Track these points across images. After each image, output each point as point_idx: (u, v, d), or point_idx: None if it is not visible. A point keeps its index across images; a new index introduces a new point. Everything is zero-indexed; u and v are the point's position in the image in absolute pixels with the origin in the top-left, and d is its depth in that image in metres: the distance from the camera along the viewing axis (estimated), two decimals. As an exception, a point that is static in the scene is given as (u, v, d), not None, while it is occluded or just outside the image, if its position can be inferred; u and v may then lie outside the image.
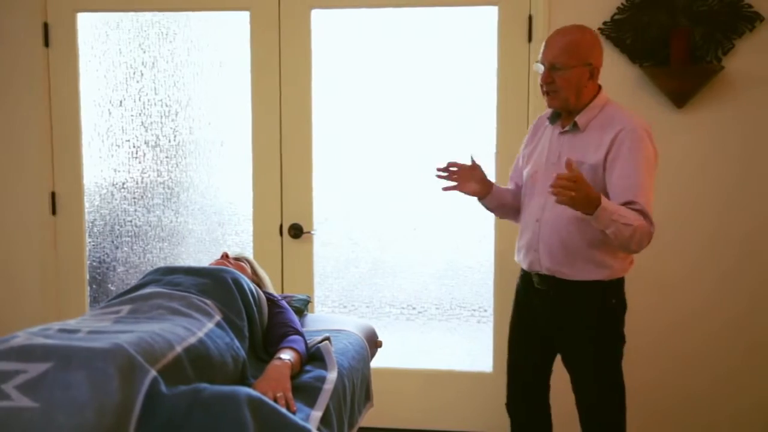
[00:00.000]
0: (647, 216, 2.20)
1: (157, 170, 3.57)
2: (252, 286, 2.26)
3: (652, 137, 2.30)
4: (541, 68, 2.33)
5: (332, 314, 3.44)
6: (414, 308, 3.53)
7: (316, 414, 1.88)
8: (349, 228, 3.52)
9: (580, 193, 2.06)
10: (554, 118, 2.45)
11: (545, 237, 2.37)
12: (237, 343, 1.99)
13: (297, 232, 3.45)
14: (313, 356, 2.17)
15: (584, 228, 2.27)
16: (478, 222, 3.38)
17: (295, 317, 2.36)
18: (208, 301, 2.05)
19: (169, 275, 2.20)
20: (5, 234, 3.59)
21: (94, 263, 3.65)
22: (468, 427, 3.49)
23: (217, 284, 2.15)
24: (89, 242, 3.63)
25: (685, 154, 3.17)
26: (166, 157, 3.56)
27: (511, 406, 2.66)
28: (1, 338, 1.68)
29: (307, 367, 2.10)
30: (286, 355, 2.06)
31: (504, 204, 2.61)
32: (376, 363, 2.64)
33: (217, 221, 3.58)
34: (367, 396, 2.44)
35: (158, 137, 3.55)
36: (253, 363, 2.09)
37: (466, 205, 2.93)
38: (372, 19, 3.39)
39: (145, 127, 3.55)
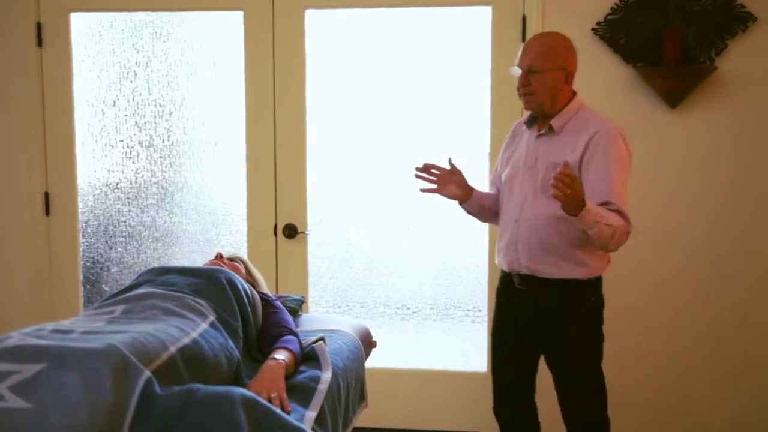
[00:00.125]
0: (624, 215, 2.28)
1: (151, 170, 3.56)
2: (246, 286, 2.26)
3: (625, 139, 2.38)
4: (518, 72, 2.42)
5: (327, 314, 3.44)
6: (408, 308, 3.53)
7: (311, 414, 1.88)
8: (343, 228, 3.52)
9: (574, 192, 2.11)
10: (531, 122, 2.53)
11: (524, 237, 2.42)
12: (231, 343, 1.99)
13: (291, 232, 3.44)
14: (308, 356, 2.17)
15: (562, 227, 2.33)
16: (472, 222, 3.34)
17: (289, 317, 2.36)
18: (202, 302, 2.05)
19: (163, 275, 2.20)
20: (-2, 234, 3.58)
21: (88, 263, 3.64)
22: (462, 427, 3.49)
23: (211, 284, 2.14)
24: (83, 242, 3.62)
25: (678, 155, 3.18)
26: (160, 157, 3.55)
27: (498, 409, 2.68)
28: (-6, 339, 1.68)
29: (302, 368, 2.10)
30: (281, 356, 2.06)
31: (485, 207, 2.66)
32: (370, 363, 2.65)
33: (211, 221, 3.57)
34: (362, 396, 2.44)
35: (152, 137, 3.54)
36: (248, 363, 2.09)
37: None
38: (366, 20, 3.39)
39: (138, 127, 3.55)
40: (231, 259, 2.55)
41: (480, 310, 3.47)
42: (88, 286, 3.64)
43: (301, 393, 1.95)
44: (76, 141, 3.54)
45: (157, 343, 1.73)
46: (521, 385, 2.63)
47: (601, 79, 3.17)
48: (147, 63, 3.51)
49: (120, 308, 1.97)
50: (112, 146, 3.57)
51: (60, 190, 3.56)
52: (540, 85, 2.36)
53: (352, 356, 2.35)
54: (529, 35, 3.19)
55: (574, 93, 2.45)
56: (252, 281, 2.51)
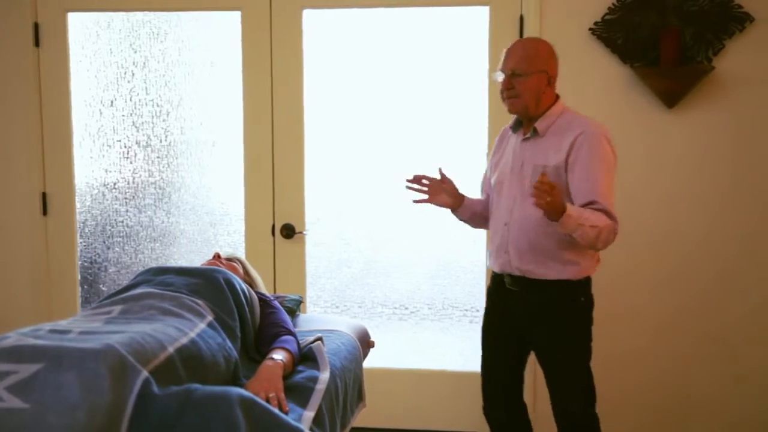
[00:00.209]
0: (610, 214, 2.31)
1: (149, 170, 3.56)
2: (244, 286, 2.26)
3: (610, 140, 2.41)
4: (501, 76, 2.45)
5: (324, 314, 3.44)
6: (406, 308, 3.53)
7: (309, 414, 1.88)
8: (341, 228, 3.52)
9: (555, 199, 2.17)
10: (516, 126, 2.57)
11: (514, 239, 2.46)
12: (229, 343, 1.99)
13: (289, 232, 3.44)
14: (306, 356, 2.17)
15: (550, 229, 2.36)
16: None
17: (287, 317, 2.36)
18: (199, 302, 2.05)
19: (160, 275, 2.20)
20: (-5, 235, 3.58)
21: (86, 264, 3.63)
22: (460, 426, 3.49)
23: (208, 284, 2.14)
24: (80, 243, 3.62)
25: (675, 155, 3.18)
26: (158, 157, 3.55)
27: (490, 409, 2.70)
28: (-9, 339, 1.68)
29: (300, 368, 2.10)
30: (279, 356, 2.06)
31: (476, 213, 2.70)
32: (368, 363, 2.65)
33: (208, 221, 3.57)
34: (360, 396, 2.44)
35: (149, 137, 3.54)
36: (246, 363, 2.09)
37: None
38: (363, 19, 3.39)
39: (136, 127, 3.54)
40: (229, 259, 2.55)
41: (478, 310, 3.47)
42: (85, 286, 3.64)
43: (298, 393, 1.95)
44: (73, 141, 3.54)
45: (155, 344, 1.73)
46: (512, 384, 2.67)
47: (599, 79, 3.18)
48: (144, 63, 3.50)
49: (118, 308, 1.97)
50: (110, 146, 3.57)
51: (57, 191, 3.56)
52: (524, 88, 2.41)
53: (350, 356, 2.35)
54: (526, 35, 3.20)
55: (557, 96, 2.50)
56: (250, 281, 2.51)
